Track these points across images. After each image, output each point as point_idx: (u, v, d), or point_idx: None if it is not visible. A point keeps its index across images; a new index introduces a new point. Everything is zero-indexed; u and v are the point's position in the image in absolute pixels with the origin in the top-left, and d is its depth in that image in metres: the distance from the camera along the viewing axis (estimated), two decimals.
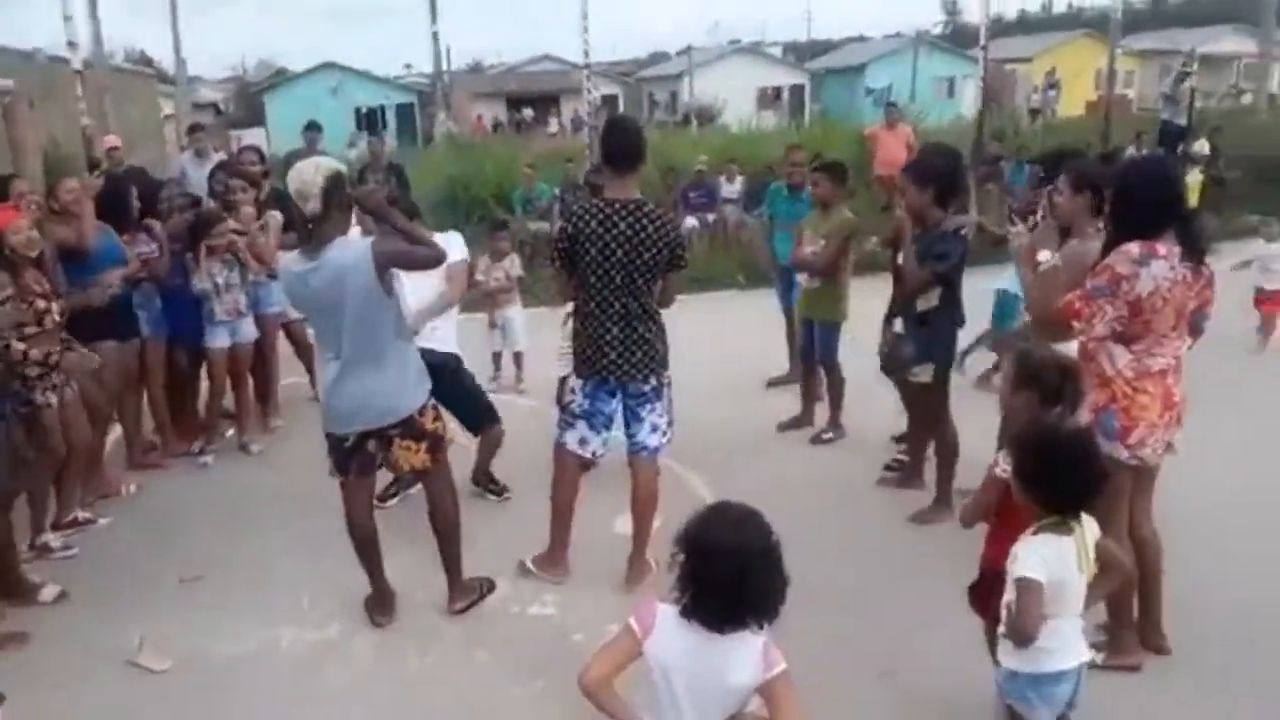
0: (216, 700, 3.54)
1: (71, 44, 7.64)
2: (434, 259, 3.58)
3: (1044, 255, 3.46)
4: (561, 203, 11.18)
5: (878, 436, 5.60)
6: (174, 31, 20.28)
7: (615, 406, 4.07)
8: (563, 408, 4.17)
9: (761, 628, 2.14)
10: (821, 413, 6.01)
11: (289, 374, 6.73)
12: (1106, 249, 3.24)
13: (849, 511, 4.90)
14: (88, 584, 4.35)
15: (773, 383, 6.84)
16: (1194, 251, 3.21)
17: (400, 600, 4.02)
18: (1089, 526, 2.63)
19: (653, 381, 4.01)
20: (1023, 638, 2.54)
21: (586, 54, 8.93)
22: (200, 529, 4.91)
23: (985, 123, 12.72)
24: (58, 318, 4.40)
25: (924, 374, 4.58)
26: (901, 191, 4.68)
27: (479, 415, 4.99)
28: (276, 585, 4.29)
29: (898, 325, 4.67)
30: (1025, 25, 61.29)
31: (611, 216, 3.79)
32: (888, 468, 5.28)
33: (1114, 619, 3.47)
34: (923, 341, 4.57)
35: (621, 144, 3.90)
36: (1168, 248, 3.16)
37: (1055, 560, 2.56)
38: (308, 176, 3.44)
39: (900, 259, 4.62)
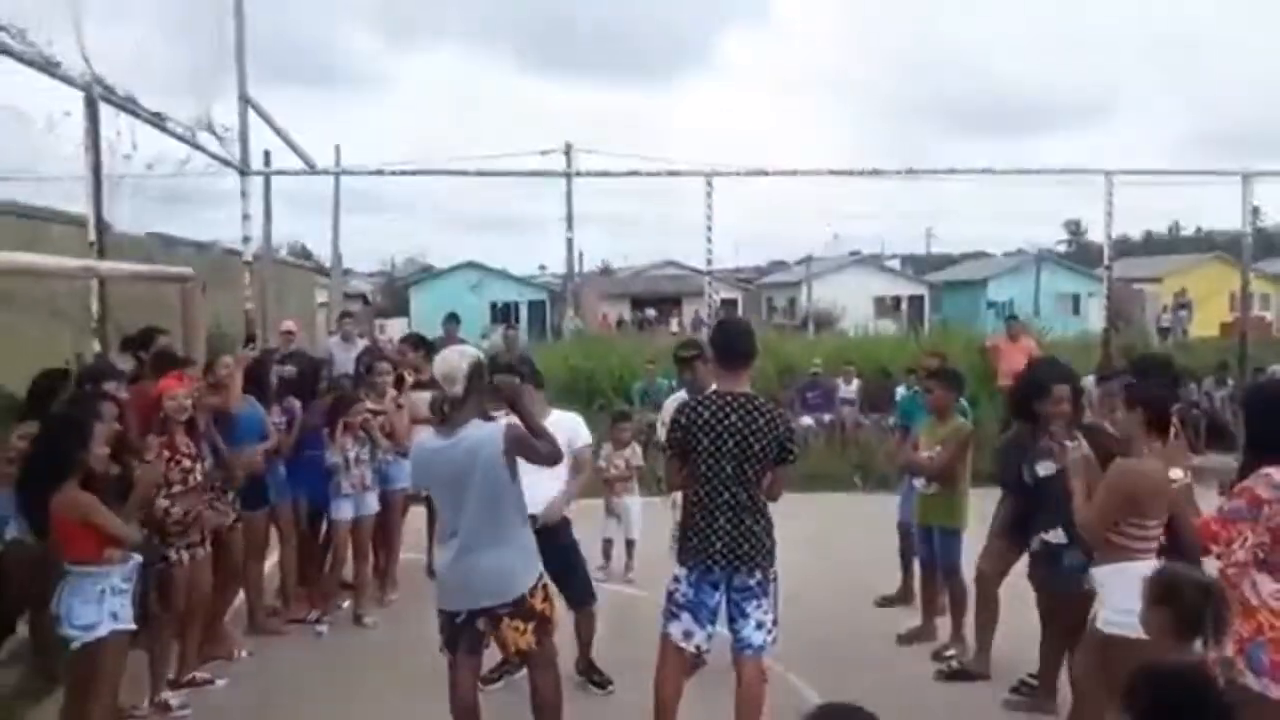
0: None
1: (246, 239, 8.56)
2: (553, 457, 3.84)
3: (1175, 473, 3.33)
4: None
5: (1005, 652, 5.26)
6: (334, 229, 22.29)
7: (719, 600, 4.00)
8: (667, 596, 4.12)
9: None
10: (944, 625, 5.73)
11: (409, 549, 6.90)
12: (1244, 471, 3.14)
13: None
14: None
15: (882, 603, 6.47)
16: None
17: None
18: None
19: (758, 575, 3.96)
20: None
21: (709, 261, 9.37)
22: (310, 698, 4.96)
23: (1111, 339, 12.54)
24: (199, 478, 4.71)
25: (1089, 584, 4.13)
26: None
27: (578, 587, 4.93)
28: None
29: (1055, 536, 4.47)
30: (1151, 246, 61.08)
31: (724, 408, 3.89)
32: (1015, 690, 4.94)
33: None
34: (1080, 552, 4.25)
35: (733, 341, 4.07)
36: None
37: None
38: (454, 362, 3.76)
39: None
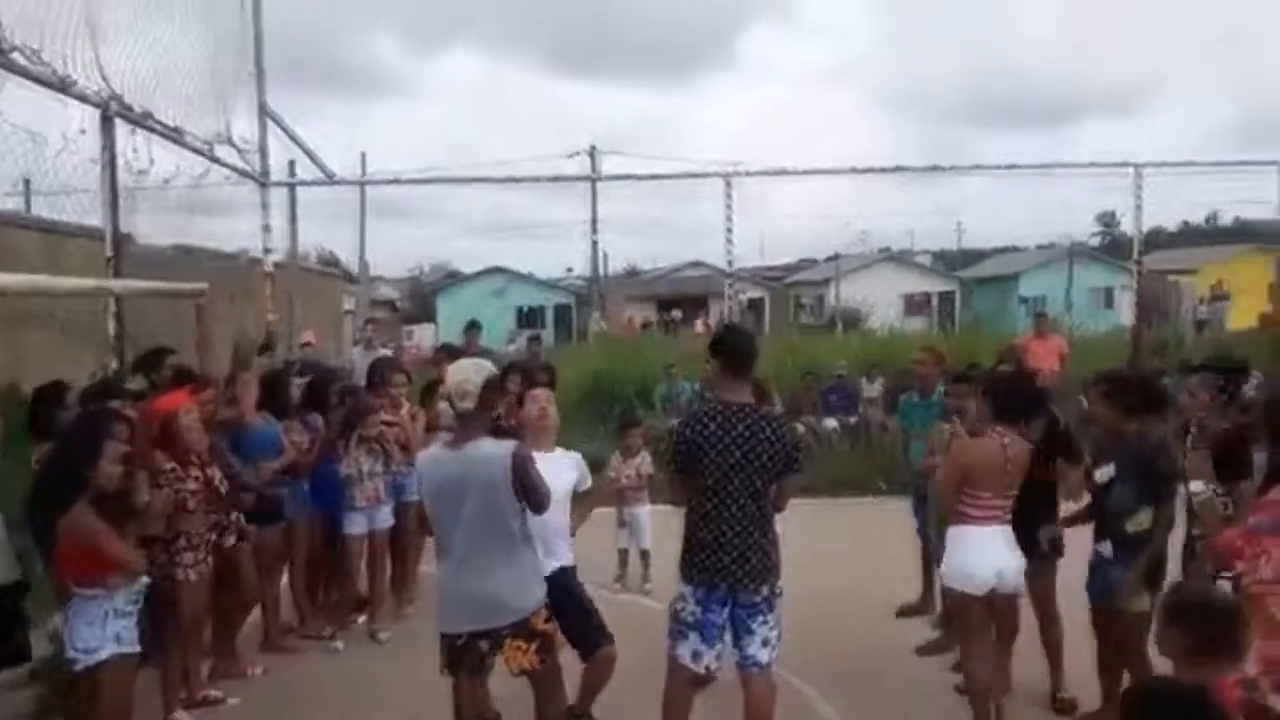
0: None
1: (268, 250, 8.62)
2: (541, 506, 3.74)
3: (1196, 486, 3.21)
4: (701, 399, 11.35)
5: (1032, 665, 5.12)
6: (360, 237, 22.44)
7: (726, 615, 3.91)
8: (673, 616, 4.03)
9: None
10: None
11: (428, 561, 6.86)
12: (1267, 482, 3.01)
13: None
14: None
15: (903, 612, 6.29)
16: None
17: None
18: None
19: (765, 590, 3.88)
20: None
21: (730, 262, 9.28)
22: (323, 715, 4.93)
23: (1142, 334, 12.27)
24: (204, 492, 4.69)
25: (1137, 604, 4.13)
26: (1091, 403, 4.50)
27: (590, 633, 4.35)
28: None
29: (1105, 549, 4.36)
30: (1188, 237, 59.92)
31: (730, 419, 3.81)
32: (1057, 709, 4.79)
33: None
34: (1132, 565, 4.16)
35: (738, 349, 3.97)
36: None
37: None
38: (467, 375, 3.70)
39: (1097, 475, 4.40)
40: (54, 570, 4.09)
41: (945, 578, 4.47)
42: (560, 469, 4.36)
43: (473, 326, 10.93)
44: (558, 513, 4.25)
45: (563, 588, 4.25)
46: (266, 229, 8.62)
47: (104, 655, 3.82)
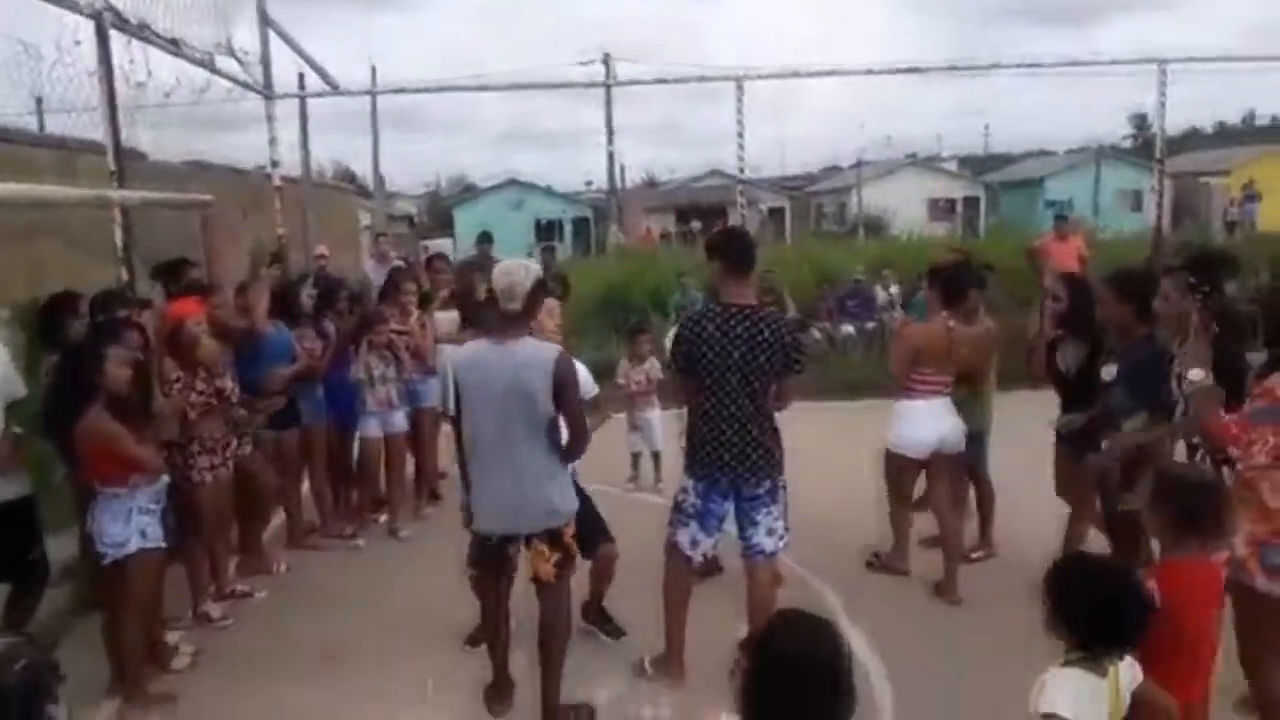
0: None
1: (274, 163, 8.59)
2: (578, 425, 3.67)
3: (1195, 374, 3.22)
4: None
5: (1033, 554, 5.20)
6: (374, 150, 22.26)
7: (728, 508, 4.03)
8: (675, 506, 4.15)
9: None
10: (970, 528, 5.69)
11: (448, 463, 7.02)
12: (1264, 371, 3.02)
13: (996, 630, 4.58)
14: (236, 654, 4.62)
15: (925, 543, 6.20)
16: None
17: (520, 691, 4.03)
18: (1128, 670, 2.38)
19: (767, 484, 3.98)
20: None
21: (741, 170, 9.16)
22: (344, 609, 5.14)
23: (1169, 236, 12.06)
24: (214, 401, 4.80)
25: (1136, 501, 4.16)
26: (1101, 301, 4.46)
27: (594, 532, 4.45)
28: (404, 668, 4.41)
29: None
30: (1224, 137, 58.17)
31: (729, 320, 3.85)
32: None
33: None
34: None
35: (735, 250, 3.98)
36: None
37: (1087, 699, 2.32)
38: (519, 278, 3.64)
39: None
40: (76, 473, 4.25)
41: (890, 445, 5.19)
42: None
43: (484, 238, 10.91)
44: None
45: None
46: (273, 142, 8.57)
47: (131, 549, 3.99)
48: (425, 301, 6.71)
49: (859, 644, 4.40)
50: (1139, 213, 30.93)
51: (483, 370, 3.63)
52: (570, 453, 3.72)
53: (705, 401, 3.92)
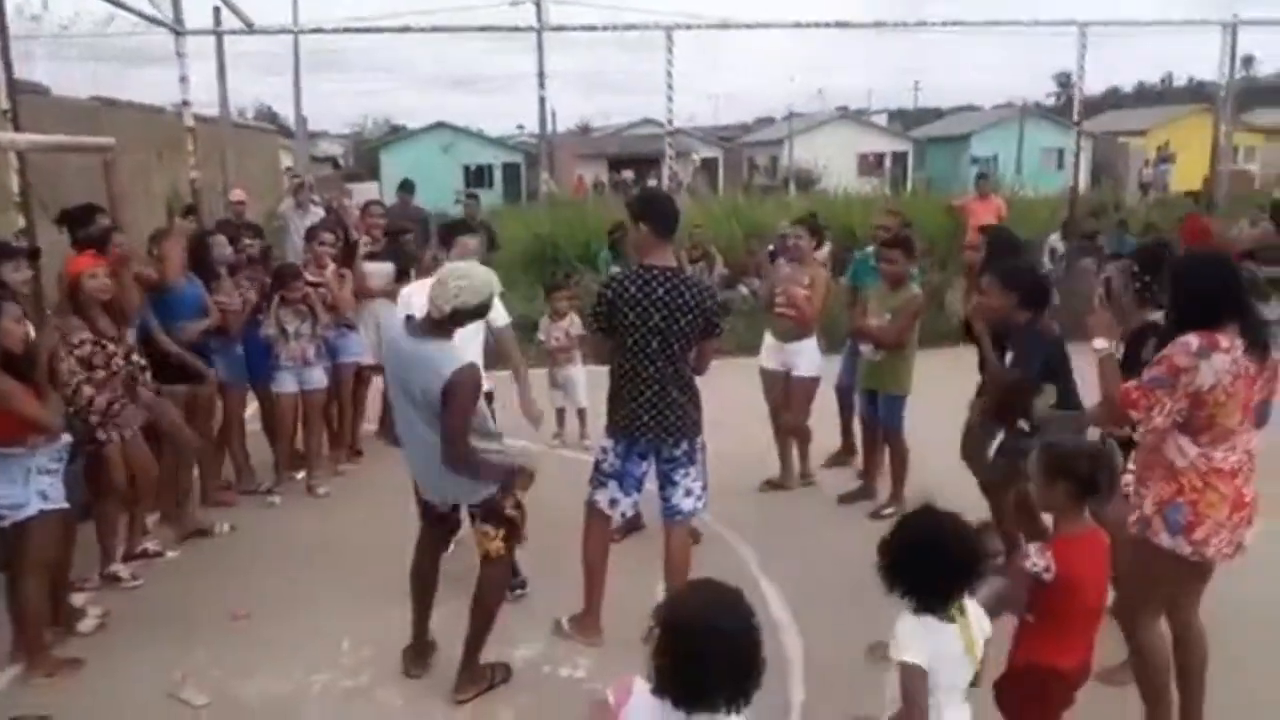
0: None
1: (185, 103, 8.23)
2: (455, 441, 3.47)
3: (1100, 344, 3.34)
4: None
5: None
6: (295, 91, 21.49)
7: (646, 469, 4.09)
8: (595, 465, 4.19)
9: (733, 712, 2.05)
10: (884, 486, 5.85)
11: (370, 420, 6.94)
12: (1164, 339, 3.13)
13: None
14: (146, 614, 4.52)
15: (827, 463, 6.47)
16: (1257, 344, 3.09)
17: (439, 652, 4.04)
18: (973, 612, 2.49)
19: (685, 446, 4.03)
20: None
21: (670, 120, 9.09)
22: (259, 567, 5.06)
23: (1087, 196, 12.37)
24: (122, 362, 4.62)
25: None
26: (987, 292, 4.55)
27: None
28: (321, 628, 4.38)
29: (1002, 435, 4.48)
30: (1143, 98, 59.70)
31: (650, 282, 3.85)
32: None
33: (1149, 713, 3.31)
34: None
35: (659, 216, 3.97)
36: (1230, 340, 3.04)
37: (940, 643, 2.43)
38: (487, 293, 3.51)
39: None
40: None
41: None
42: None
43: (405, 187, 10.66)
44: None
45: None
46: (184, 80, 8.18)
47: (30, 511, 3.84)
48: (352, 252, 6.54)
49: (773, 600, 4.52)
50: (1062, 170, 31.66)
51: (395, 358, 3.63)
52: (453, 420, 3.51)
53: (625, 363, 3.94)
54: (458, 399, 3.40)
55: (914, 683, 2.41)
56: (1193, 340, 3.04)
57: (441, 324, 3.49)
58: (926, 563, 2.42)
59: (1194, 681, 3.31)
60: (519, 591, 4.54)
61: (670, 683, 2.02)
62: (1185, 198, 19.16)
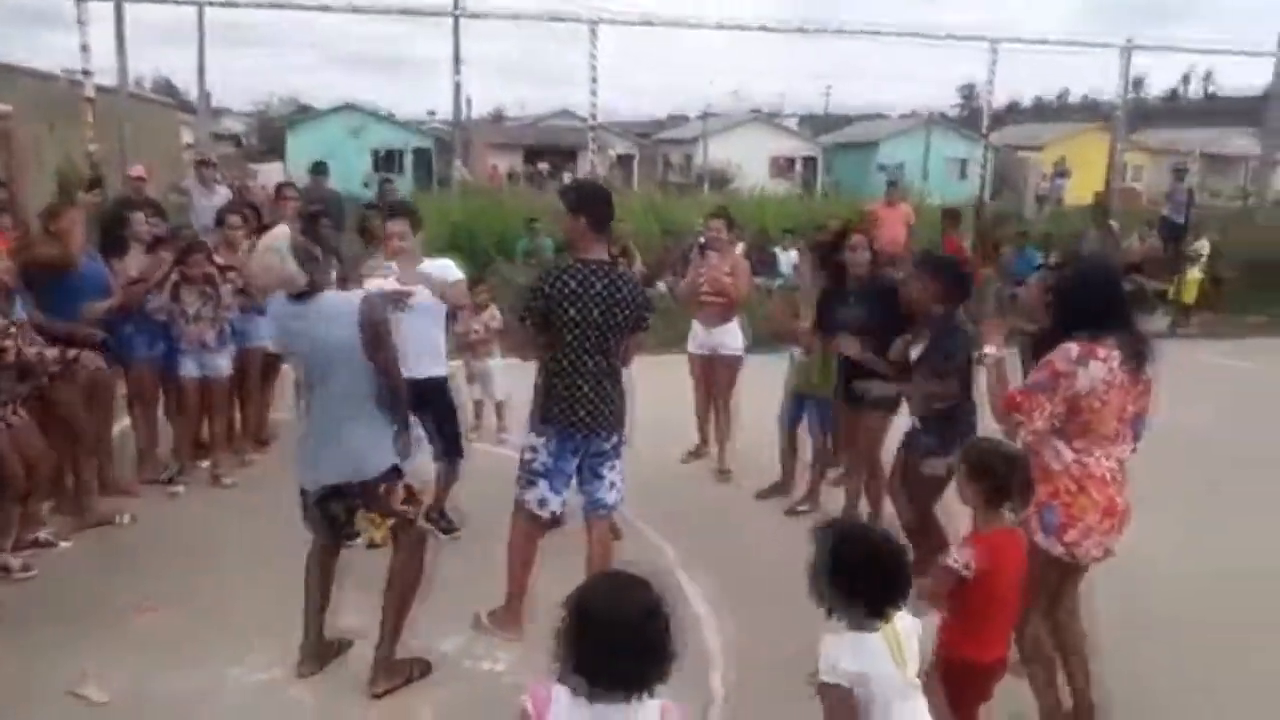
0: None
1: (86, 72, 7.84)
2: (389, 362, 3.56)
3: (990, 350, 3.51)
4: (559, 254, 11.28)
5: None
6: (199, 61, 20.62)
7: (574, 465, 4.08)
8: (523, 464, 4.14)
9: (651, 695, 2.06)
10: (801, 482, 5.96)
11: (281, 409, 6.73)
12: (1049, 345, 3.29)
13: None
14: (41, 607, 4.31)
15: (762, 495, 6.10)
16: (1134, 356, 3.27)
17: (354, 647, 3.95)
18: (900, 620, 2.47)
19: (614, 439, 4.07)
20: None
21: (594, 115, 9.08)
22: (161, 559, 4.86)
23: (991, 206, 12.84)
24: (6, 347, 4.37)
25: (938, 468, 4.29)
26: (913, 280, 4.66)
27: (450, 438, 5.08)
28: (228, 623, 4.23)
29: (915, 420, 4.60)
30: (1041, 113, 62.16)
31: (589, 277, 3.85)
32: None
33: (1041, 708, 3.44)
34: (940, 435, 4.36)
35: (598, 209, 3.96)
36: (1107, 350, 3.22)
37: (867, 655, 2.40)
38: (276, 268, 3.44)
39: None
40: None
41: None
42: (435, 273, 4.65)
43: (319, 169, 10.38)
44: (431, 325, 4.93)
45: (437, 389, 4.94)
46: (85, 49, 7.78)
47: None
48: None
49: (694, 596, 4.57)
50: (964, 180, 32.77)
51: (287, 327, 3.60)
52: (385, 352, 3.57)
53: (563, 358, 3.91)
54: (377, 319, 3.50)
55: (837, 705, 2.40)
56: (1073, 348, 3.22)
57: (313, 283, 3.48)
58: (864, 580, 2.39)
59: (1077, 660, 3.49)
60: (455, 535, 5.03)
61: (576, 669, 2.04)
62: (1087, 209, 19.99)
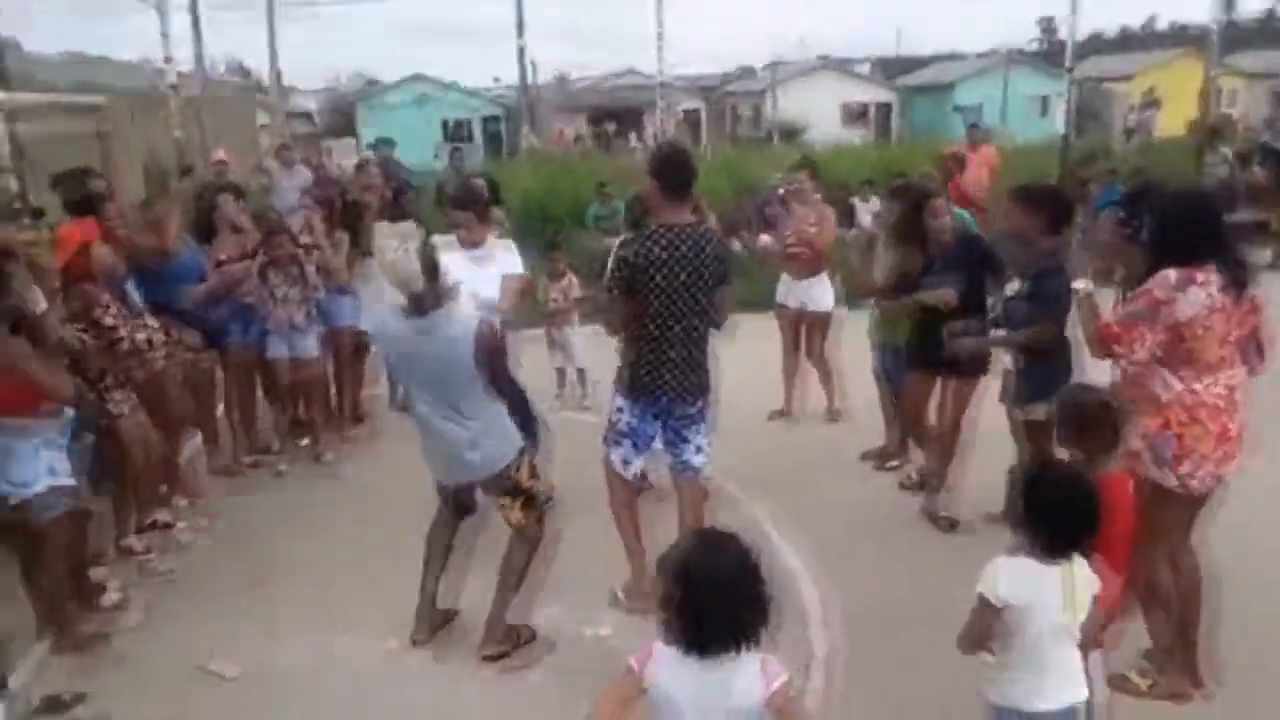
0: (276, 710, 3.64)
1: (168, 59, 8.01)
2: (502, 384, 3.70)
3: (1080, 284, 3.40)
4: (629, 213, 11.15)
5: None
6: (270, 46, 21.00)
7: (658, 428, 4.11)
8: (610, 424, 4.18)
9: (750, 649, 2.12)
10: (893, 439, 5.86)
11: (371, 384, 6.88)
12: (1147, 274, 3.21)
13: (923, 539, 4.81)
14: (165, 587, 4.53)
15: (866, 455, 5.94)
16: (1234, 281, 3.16)
17: (467, 616, 4.07)
18: (1080, 570, 2.53)
19: (699, 403, 4.08)
20: (962, 646, 2.58)
21: (661, 71, 8.95)
22: (272, 537, 5.05)
23: (1076, 144, 12.30)
24: (125, 334, 4.56)
25: (1037, 412, 4.24)
26: (1009, 214, 4.53)
27: (526, 422, 4.86)
28: (341, 595, 4.38)
29: (1009, 361, 4.54)
30: (1126, 42, 59.34)
31: (675, 241, 3.82)
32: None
33: (1156, 648, 3.41)
34: (1037, 378, 4.31)
35: (679, 172, 3.91)
36: (1205, 275, 3.13)
37: (1027, 584, 2.48)
38: (402, 265, 3.39)
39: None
40: None
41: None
42: (488, 278, 4.64)
43: (384, 144, 10.44)
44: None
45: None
46: (165, 36, 7.95)
47: (39, 488, 3.77)
48: (360, 213, 6.38)
49: (788, 553, 4.56)
50: (1046, 118, 31.52)
51: (397, 344, 3.65)
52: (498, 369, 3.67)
53: (650, 324, 3.89)
54: (494, 345, 3.56)
55: (976, 617, 2.52)
56: (1171, 274, 3.13)
57: (426, 295, 3.46)
58: (1049, 517, 2.49)
59: (1191, 613, 3.40)
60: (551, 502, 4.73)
61: (685, 632, 2.10)
62: (1182, 140, 19.05)
